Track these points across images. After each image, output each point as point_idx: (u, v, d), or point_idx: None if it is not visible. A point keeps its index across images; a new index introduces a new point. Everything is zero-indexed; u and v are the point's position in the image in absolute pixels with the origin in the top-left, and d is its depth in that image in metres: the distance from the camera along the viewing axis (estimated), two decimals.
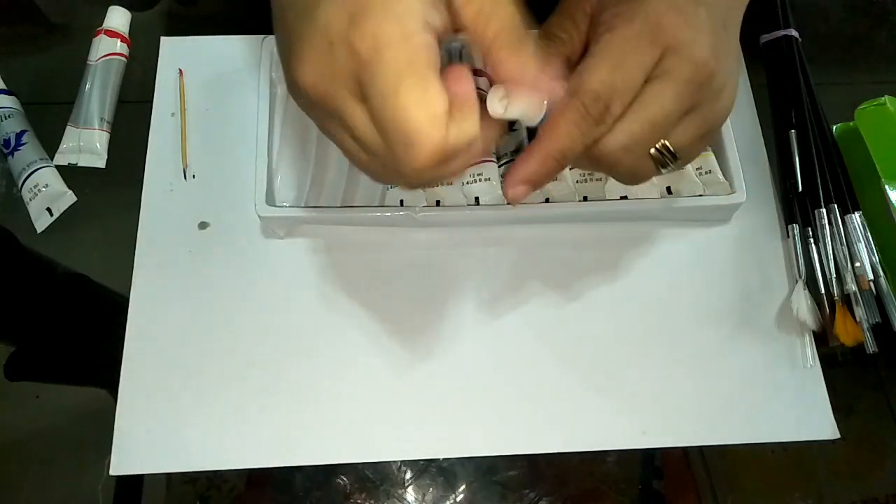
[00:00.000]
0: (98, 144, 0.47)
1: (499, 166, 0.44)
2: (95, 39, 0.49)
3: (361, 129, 0.28)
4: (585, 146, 0.32)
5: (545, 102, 0.31)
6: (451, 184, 0.43)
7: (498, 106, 0.30)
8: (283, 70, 0.31)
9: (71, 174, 0.47)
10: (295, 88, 0.29)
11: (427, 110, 0.26)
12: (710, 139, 0.36)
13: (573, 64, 0.33)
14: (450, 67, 0.28)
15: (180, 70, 0.50)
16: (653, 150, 0.33)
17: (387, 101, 0.26)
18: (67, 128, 0.48)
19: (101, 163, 0.48)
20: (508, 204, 0.36)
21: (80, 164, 0.47)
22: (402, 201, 0.44)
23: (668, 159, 0.33)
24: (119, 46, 0.50)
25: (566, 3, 0.35)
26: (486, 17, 0.28)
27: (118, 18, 0.50)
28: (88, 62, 0.49)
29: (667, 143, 0.33)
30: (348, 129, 0.29)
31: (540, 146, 0.32)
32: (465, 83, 0.28)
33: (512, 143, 0.45)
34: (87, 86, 0.48)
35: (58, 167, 0.47)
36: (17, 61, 0.52)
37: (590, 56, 0.31)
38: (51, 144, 0.48)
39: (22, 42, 0.53)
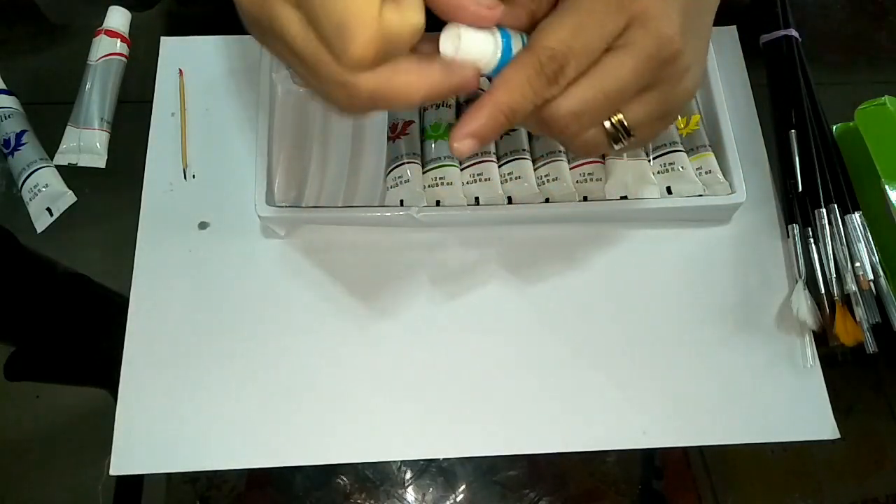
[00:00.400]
0: (98, 144, 0.47)
1: (499, 166, 0.45)
2: (95, 39, 0.49)
3: (295, 35, 0.27)
4: (535, 105, 0.30)
5: (499, 48, 0.30)
6: (452, 184, 0.43)
7: (449, 46, 0.29)
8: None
9: (71, 174, 0.47)
10: (239, 13, 0.29)
11: None
12: (668, 121, 0.35)
13: (537, 22, 0.32)
14: None
15: (180, 70, 0.50)
16: (607, 124, 0.32)
17: None
18: (67, 128, 0.48)
19: (101, 163, 0.48)
20: (457, 158, 0.35)
21: (81, 164, 0.47)
22: (402, 201, 0.44)
23: (621, 135, 0.32)
24: (119, 46, 0.50)
25: None
26: None
27: (118, 18, 0.50)
28: (88, 62, 0.49)
29: (622, 117, 0.32)
30: (286, 43, 0.28)
31: (490, 99, 0.30)
32: None
33: (513, 143, 0.45)
34: (88, 86, 0.48)
35: (58, 167, 0.47)
36: (17, 61, 0.52)
37: (554, 14, 0.30)
38: (51, 144, 0.48)
39: (22, 42, 0.53)
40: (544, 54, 0.29)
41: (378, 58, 0.26)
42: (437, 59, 0.29)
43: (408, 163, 0.44)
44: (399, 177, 0.44)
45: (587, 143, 0.32)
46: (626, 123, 0.32)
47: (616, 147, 0.33)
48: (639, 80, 0.31)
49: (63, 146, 0.47)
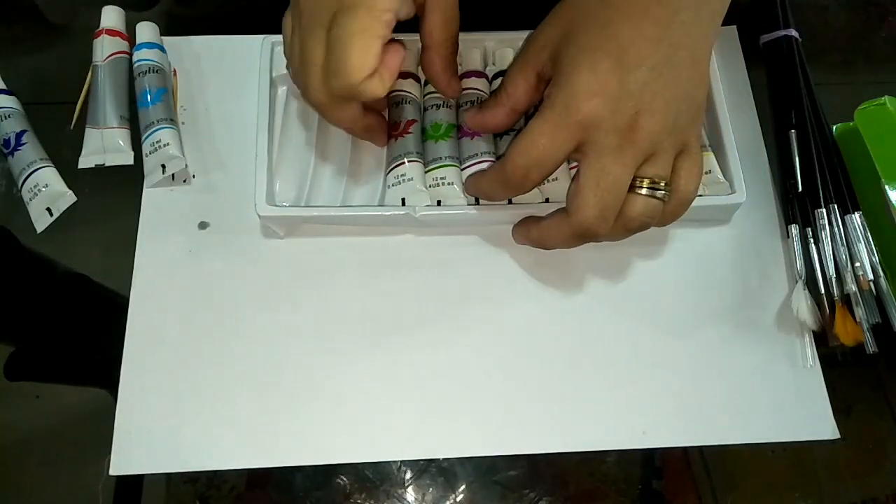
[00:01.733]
0: (121, 142, 0.47)
1: None
2: (97, 41, 0.49)
3: (317, 43, 0.36)
4: (507, 198, 0.43)
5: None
6: (452, 184, 0.43)
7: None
8: None
9: (71, 174, 0.47)
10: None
11: (362, 60, 0.35)
12: (690, 159, 0.37)
13: (519, 115, 0.41)
14: (391, 43, 0.37)
15: (174, 70, 0.50)
16: (644, 190, 0.36)
17: (342, 41, 0.35)
18: (87, 130, 0.47)
19: (129, 160, 0.47)
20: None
21: (108, 163, 0.47)
22: (403, 200, 0.44)
23: (659, 190, 0.36)
24: (122, 44, 0.50)
25: (520, 59, 0.39)
26: (445, 21, 0.39)
27: (114, 17, 0.50)
28: (95, 63, 0.49)
29: (643, 178, 0.36)
30: (312, 40, 0.36)
31: (476, 182, 0.42)
32: (395, 58, 0.37)
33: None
34: (100, 86, 0.48)
35: (74, 168, 0.47)
36: (17, 61, 0.52)
37: (520, 134, 0.37)
38: (51, 144, 0.48)
39: (22, 42, 0.53)
40: (507, 165, 0.37)
41: (346, 96, 0.37)
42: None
43: (409, 161, 0.44)
44: (402, 174, 0.43)
45: (641, 219, 0.37)
46: (655, 179, 0.36)
47: (665, 199, 0.37)
48: (623, 167, 0.35)
49: (86, 149, 0.47)
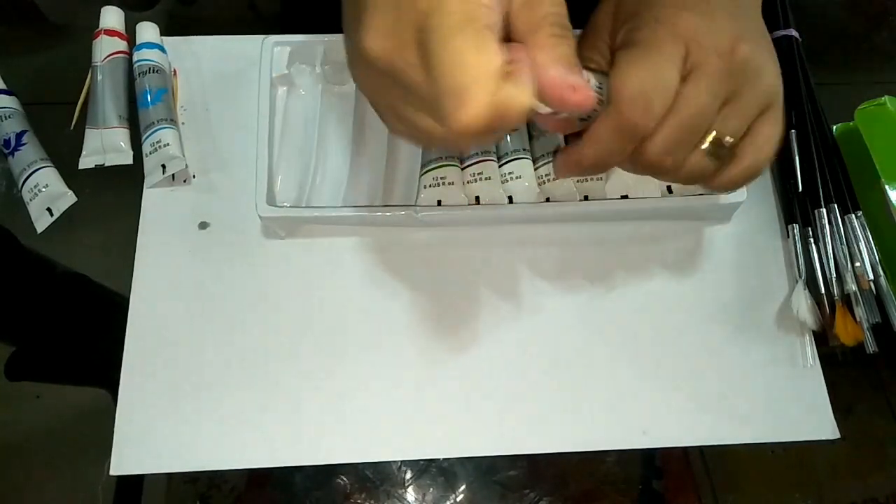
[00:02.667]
0: (122, 143, 0.47)
1: (499, 166, 0.44)
2: (96, 41, 0.49)
3: (416, 86, 0.27)
4: (627, 151, 0.32)
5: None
6: (452, 184, 0.43)
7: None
8: (347, 50, 0.31)
9: (71, 174, 0.47)
10: (362, 59, 0.29)
11: (481, 59, 0.26)
12: (772, 121, 0.34)
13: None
14: (511, 42, 0.28)
15: (174, 70, 0.50)
16: (705, 146, 0.32)
17: (444, 45, 0.26)
18: (87, 130, 0.47)
19: (128, 159, 0.47)
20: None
21: (108, 163, 0.47)
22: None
23: (722, 151, 0.32)
24: (121, 44, 0.50)
25: (588, 34, 0.36)
26: (532, 4, 0.28)
27: (113, 17, 0.50)
28: (94, 63, 0.49)
29: (714, 134, 0.32)
30: (414, 96, 0.28)
31: (578, 152, 0.32)
32: (524, 55, 0.28)
33: (514, 143, 0.45)
34: (99, 86, 0.48)
35: (74, 168, 0.47)
36: (17, 61, 0.52)
37: (616, 69, 0.31)
38: (51, 144, 0.48)
39: (22, 42, 0.53)
40: (625, 104, 0.30)
41: (484, 123, 0.26)
42: None
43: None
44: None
45: (692, 172, 0.33)
46: (722, 139, 0.32)
47: (719, 162, 0.33)
48: (715, 97, 0.31)
49: (86, 150, 0.47)
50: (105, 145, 0.47)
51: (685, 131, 0.31)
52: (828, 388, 0.43)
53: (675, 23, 0.31)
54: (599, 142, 0.31)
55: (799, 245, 0.45)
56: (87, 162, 0.47)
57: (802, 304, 0.43)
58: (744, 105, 0.32)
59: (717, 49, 0.31)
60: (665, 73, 0.31)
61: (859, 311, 0.42)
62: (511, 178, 0.44)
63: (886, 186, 0.43)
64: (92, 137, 0.47)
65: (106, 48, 0.49)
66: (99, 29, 0.50)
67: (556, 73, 0.28)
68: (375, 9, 0.28)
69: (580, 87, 0.28)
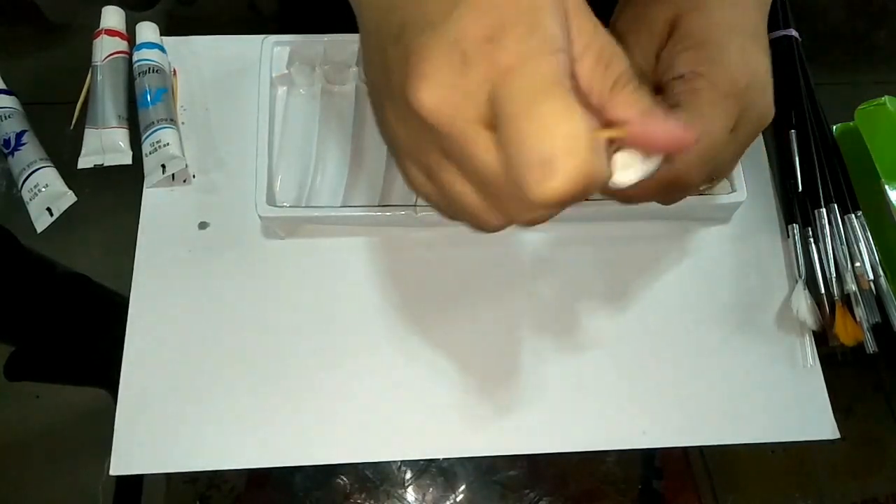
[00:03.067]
0: (121, 142, 0.47)
1: None
2: (97, 41, 0.49)
3: (481, 159, 0.24)
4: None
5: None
6: None
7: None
8: (376, 91, 0.28)
9: (71, 174, 0.47)
10: (410, 110, 0.25)
11: (573, 125, 0.23)
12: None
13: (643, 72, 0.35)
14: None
15: (174, 70, 0.50)
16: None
17: (531, 109, 0.23)
18: (86, 131, 0.47)
19: (127, 159, 0.47)
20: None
21: (107, 163, 0.47)
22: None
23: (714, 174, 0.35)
24: (121, 44, 0.50)
25: (634, 30, 0.36)
26: (606, 63, 0.25)
27: (114, 17, 0.50)
28: (94, 63, 0.49)
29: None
30: (464, 161, 0.25)
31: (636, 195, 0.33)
32: (601, 116, 0.25)
33: None
34: (99, 86, 0.48)
35: (74, 168, 0.47)
36: (17, 61, 0.52)
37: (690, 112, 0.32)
38: (51, 144, 0.48)
39: (22, 42, 0.53)
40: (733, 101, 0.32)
41: (574, 193, 0.23)
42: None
43: None
44: None
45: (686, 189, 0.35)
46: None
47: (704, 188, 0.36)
48: (727, 131, 0.33)
49: (85, 150, 0.47)
50: (104, 145, 0.47)
51: (703, 163, 0.33)
52: (828, 388, 0.43)
53: (736, 78, 0.32)
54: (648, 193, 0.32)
55: (799, 245, 0.45)
56: (85, 162, 0.47)
57: (802, 304, 0.43)
58: (743, 135, 0.34)
59: (760, 112, 0.34)
60: (723, 131, 0.33)
61: (859, 311, 0.42)
62: None
63: (886, 186, 0.43)
64: (91, 137, 0.47)
65: (106, 48, 0.49)
66: (100, 29, 0.50)
67: (659, 122, 0.25)
68: (432, 55, 0.24)
69: (680, 125, 0.26)
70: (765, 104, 0.34)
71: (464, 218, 0.29)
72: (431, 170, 0.27)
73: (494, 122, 0.24)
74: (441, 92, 0.24)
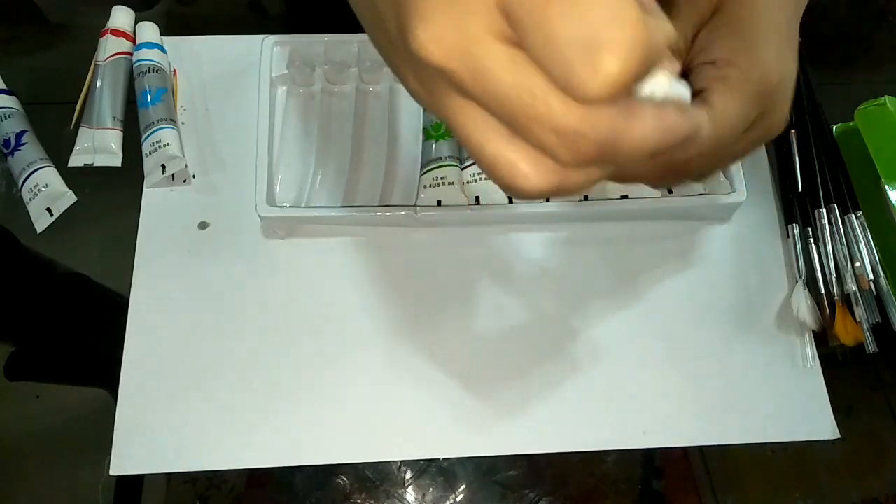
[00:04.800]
0: (113, 144, 0.47)
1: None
2: (102, 40, 0.49)
3: (509, 81, 0.21)
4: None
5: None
6: (452, 184, 0.43)
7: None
8: (389, 46, 0.26)
9: (71, 174, 0.47)
10: (418, 63, 0.22)
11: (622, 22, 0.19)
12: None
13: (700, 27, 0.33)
14: None
15: (174, 70, 0.50)
16: None
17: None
18: (81, 129, 0.47)
19: (116, 161, 0.47)
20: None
21: (97, 164, 0.47)
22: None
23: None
24: (126, 45, 0.50)
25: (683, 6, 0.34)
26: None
27: (123, 18, 0.50)
28: (97, 62, 0.49)
29: None
30: (485, 93, 0.22)
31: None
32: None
33: None
34: (98, 86, 0.48)
35: (74, 168, 0.47)
36: (17, 61, 0.52)
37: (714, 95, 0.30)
38: (51, 144, 0.48)
39: (22, 42, 0.53)
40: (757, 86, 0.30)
41: (635, 77, 0.20)
42: (657, 104, 0.23)
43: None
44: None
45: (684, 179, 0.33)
46: None
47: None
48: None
49: (77, 147, 0.47)
50: (96, 145, 0.47)
51: (710, 153, 0.30)
52: (828, 388, 0.43)
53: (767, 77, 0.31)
54: (727, 118, 0.29)
55: (799, 245, 0.45)
56: (76, 160, 0.47)
57: (802, 304, 0.43)
58: (752, 139, 0.33)
59: (781, 115, 0.32)
60: (737, 133, 0.31)
61: (859, 311, 0.42)
62: None
63: (886, 186, 0.43)
64: (84, 136, 0.47)
65: (110, 48, 0.49)
66: (106, 28, 0.50)
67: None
68: None
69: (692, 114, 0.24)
70: (781, 112, 0.33)
71: (499, 174, 0.24)
72: (454, 121, 0.24)
73: (509, 34, 0.21)
74: (445, 24, 0.21)
